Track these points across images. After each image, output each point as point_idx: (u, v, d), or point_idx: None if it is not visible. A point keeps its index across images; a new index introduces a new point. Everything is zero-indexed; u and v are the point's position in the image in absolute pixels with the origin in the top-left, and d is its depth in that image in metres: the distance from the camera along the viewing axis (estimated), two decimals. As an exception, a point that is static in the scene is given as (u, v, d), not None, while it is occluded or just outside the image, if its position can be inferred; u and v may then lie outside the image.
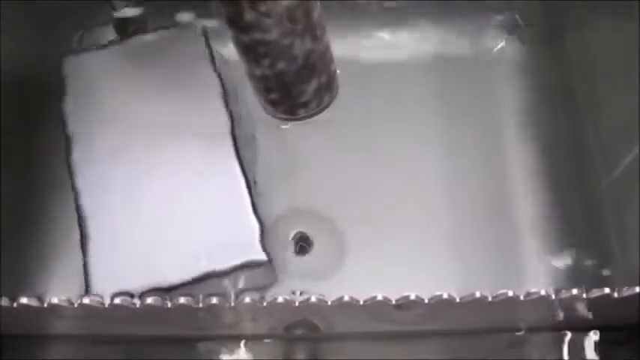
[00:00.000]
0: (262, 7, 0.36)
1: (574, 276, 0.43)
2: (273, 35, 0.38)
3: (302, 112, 0.45)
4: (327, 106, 0.45)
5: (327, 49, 0.42)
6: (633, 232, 0.41)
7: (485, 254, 0.44)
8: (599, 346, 0.38)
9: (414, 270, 0.43)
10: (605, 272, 0.42)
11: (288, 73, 0.41)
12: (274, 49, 0.39)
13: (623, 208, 0.42)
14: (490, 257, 0.44)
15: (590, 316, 0.36)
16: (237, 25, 0.38)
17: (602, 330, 0.38)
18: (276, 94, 0.43)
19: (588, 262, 0.43)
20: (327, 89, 0.45)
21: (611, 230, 0.43)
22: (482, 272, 0.43)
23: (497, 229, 0.44)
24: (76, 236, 0.39)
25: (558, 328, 0.38)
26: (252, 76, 0.43)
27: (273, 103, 0.45)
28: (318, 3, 0.39)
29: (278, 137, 0.47)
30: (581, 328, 0.38)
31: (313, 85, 0.43)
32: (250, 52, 0.40)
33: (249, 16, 0.36)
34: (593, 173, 0.44)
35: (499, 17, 0.50)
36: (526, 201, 0.45)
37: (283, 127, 0.47)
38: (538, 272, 0.43)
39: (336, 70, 0.45)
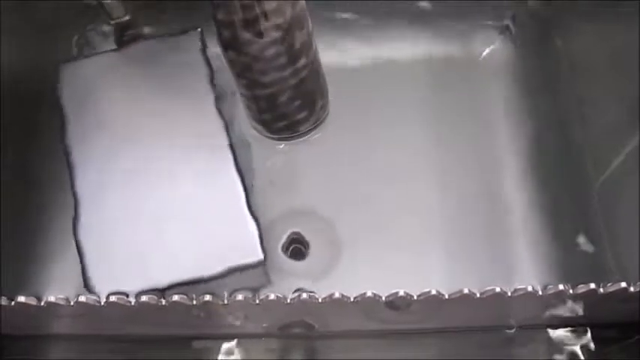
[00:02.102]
0: (256, 28, 0.37)
1: (566, 274, 0.43)
2: (266, 55, 0.38)
3: (294, 132, 0.46)
4: (320, 124, 0.46)
5: (319, 69, 0.43)
6: (624, 231, 0.41)
7: (479, 256, 0.44)
8: (591, 344, 0.39)
9: (409, 274, 0.43)
10: (596, 269, 0.43)
11: (281, 93, 0.42)
12: (268, 69, 0.39)
13: (614, 207, 0.43)
14: (484, 259, 0.44)
15: (580, 313, 0.36)
16: (231, 46, 0.38)
17: (594, 327, 0.39)
18: (269, 114, 0.44)
19: (580, 261, 0.43)
20: (320, 108, 0.46)
21: (603, 229, 0.43)
22: (476, 273, 0.44)
23: (490, 231, 0.45)
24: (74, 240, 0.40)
25: (550, 326, 0.39)
26: (245, 97, 0.43)
27: (265, 124, 0.45)
28: (310, 24, 0.40)
29: (273, 145, 0.47)
30: (572, 325, 0.39)
31: (306, 105, 0.44)
32: (244, 72, 0.40)
33: (243, 36, 0.37)
34: (583, 173, 0.45)
35: (489, 20, 0.51)
36: (518, 202, 0.45)
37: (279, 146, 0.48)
38: (531, 273, 0.44)
39: (327, 89, 0.46)
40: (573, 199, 0.45)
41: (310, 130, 0.46)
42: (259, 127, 0.46)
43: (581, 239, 0.43)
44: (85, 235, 0.39)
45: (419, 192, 0.46)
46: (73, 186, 0.41)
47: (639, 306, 0.34)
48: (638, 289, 0.31)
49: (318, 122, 0.46)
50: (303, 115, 0.44)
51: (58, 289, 0.42)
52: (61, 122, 0.43)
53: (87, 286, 0.38)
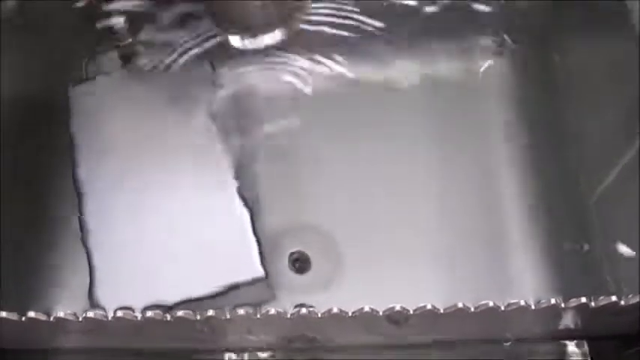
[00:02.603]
0: None
1: (565, 286, 0.44)
2: None
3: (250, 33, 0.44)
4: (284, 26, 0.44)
5: None
6: (620, 241, 0.42)
7: (480, 269, 0.45)
8: (587, 356, 0.39)
9: (411, 287, 0.44)
10: (595, 280, 0.43)
11: None
12: None
13: (610, 218, 0.43)
14: (485, 272, 0.45)
15: (576, 325, 0.37)
16: None
17: (592, 340, 0.39)
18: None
19: (578, 273, 0.44)
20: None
21: (600, 240, 0.44)
22: (477, 285, 0.45)
23: (490, 244, 0.46)
24: (82, 257, 0.41)
25: (546, 339, 0.39)
26: None
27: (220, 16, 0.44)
28: None
29: (277, 163, 0.48)
30: (570, 337, 0.39)
31: None
32: None
33: None
34: (579, 189, 0.46)
35: (486, 36, 0.52)
36: (516, 215, 0.46)
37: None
38: (531, 285, 0.44)
39: None
40: (571, 210, 0.46)
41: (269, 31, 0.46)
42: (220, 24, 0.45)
43: (579, 250, 0.44)
44: (94, 253, 0.40)
45: (419, 207, 0.47)
46: (81, 206, 0.42)
47: (637, 318, 0.35)
48: (629, 303, 0.32)
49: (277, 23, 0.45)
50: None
51: (62, 303, 0.43)
52: (70, 142, 0.44)
53: (94, 303, 0.39)
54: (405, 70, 0.51)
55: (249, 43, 0.48)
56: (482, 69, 0.51)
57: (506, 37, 0.51)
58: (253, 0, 0.40)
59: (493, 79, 0.51)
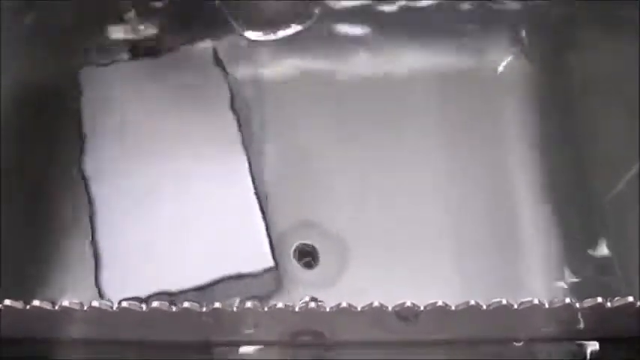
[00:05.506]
0: None
1: (578, 291, 0.43)
2: None
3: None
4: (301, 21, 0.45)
5: None
6: (633, 245, 0.41)
7: (491, 268, 0.45)
8: (599, 358, 0.39)
9: (420, 285, 0.44)
10: (607, 286, 0.43)
11: None
12: None
13: (623, 221, 0.43)
14: (494, 271, 0.45)
15: (589, 327, 0.36)
16: None
17: (604, 342, 0.39)
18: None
19: (590, 277, 0.44)
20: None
21: (612, 245, 0.43)
22: (486, 285, 0.44)
23: (500, 244, 0.45)
24: (89, 244, 0.41)
25: (558, 339, 0.39)
26: None
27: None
28: None
29: (287, 155, 0.48)
30: (582, 339, 0.39)
31: None
32: None
33: None
34: (594, 189, 0.45)
35: (502, 34, 0.51)
36: (528, 217, 0.46)
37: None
38: (543, 287, 0.44)
39: None
40: (585, 214, 0.45)
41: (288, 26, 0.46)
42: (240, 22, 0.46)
43: (592, 254, 0.44)
44: (100, 240, 0.40)
45: (429, 204, 0.46)
46: (88, 190, 0.42)
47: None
48: (645, 304, 0.31)
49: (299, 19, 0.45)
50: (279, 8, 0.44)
51: (66, 292, 0.43)
52: (79, 129, 0.44)
53: (101, 292, 0.39)
54: (417, 67, 0.51)
55: (263, 35, 0.48)
56: (497, 66, 0.51)
57: (521, 35, 0.51)
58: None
59: (508, 76, 0.51)
